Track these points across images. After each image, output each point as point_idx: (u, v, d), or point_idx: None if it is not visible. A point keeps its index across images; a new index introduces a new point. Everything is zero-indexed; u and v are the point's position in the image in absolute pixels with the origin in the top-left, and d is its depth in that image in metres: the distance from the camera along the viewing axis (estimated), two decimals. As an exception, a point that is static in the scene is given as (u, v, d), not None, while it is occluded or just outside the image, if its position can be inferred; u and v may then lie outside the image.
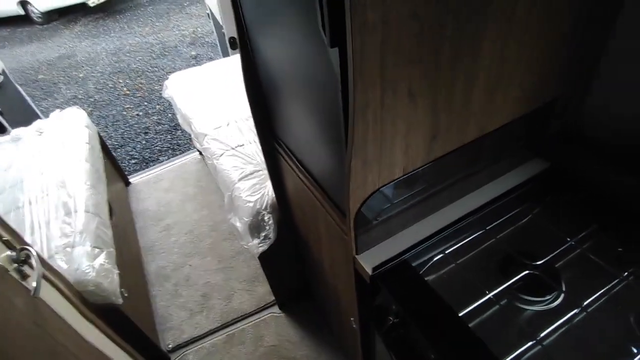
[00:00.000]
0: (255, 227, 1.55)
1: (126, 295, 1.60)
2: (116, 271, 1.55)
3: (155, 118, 4.15)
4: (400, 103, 0.66)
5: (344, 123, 0.68)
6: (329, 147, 0.84)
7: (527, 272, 0.88)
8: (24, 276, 0.90)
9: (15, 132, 2.36)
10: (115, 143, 3.78)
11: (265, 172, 1.68)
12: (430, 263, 0.94)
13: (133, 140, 3.85)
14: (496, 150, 1.02)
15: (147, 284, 2.17)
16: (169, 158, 3.50)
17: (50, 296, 0.98)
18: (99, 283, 1.44)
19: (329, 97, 0.69)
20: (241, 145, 1.86)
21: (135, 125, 4.07)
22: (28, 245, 0.93)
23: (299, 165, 1.12)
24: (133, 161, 3.54)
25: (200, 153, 2.98)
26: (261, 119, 1.25)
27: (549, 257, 0.90)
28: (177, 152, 3.54)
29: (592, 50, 0.89)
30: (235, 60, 2.64)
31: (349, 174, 0.71)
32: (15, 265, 0.90)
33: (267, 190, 1.58)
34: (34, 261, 0.91)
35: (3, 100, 2.77)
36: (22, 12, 6.91)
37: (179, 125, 3.89)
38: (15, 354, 0.70)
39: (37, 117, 2.97)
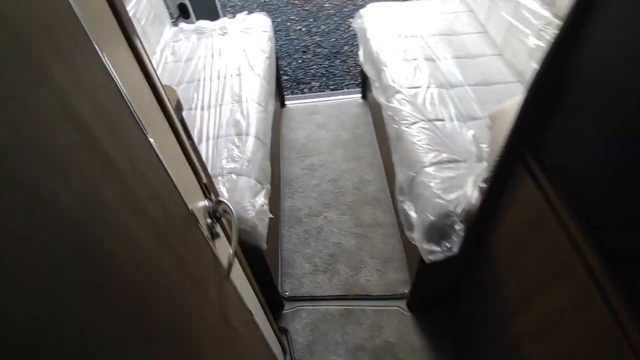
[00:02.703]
0: (437, 231, 1.26)
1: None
2: (270, 215, 1.43)
3: (317, 39, 3.93)
4: None
5: None
6: None
7: None
8: (214, 236, 0.74)
9: (200, 24, 2.29)
10: (273, 55, 3.68)
11: (467, 166, 1.34)
12: None
13: (290, 56, 3.72)
14: None
15: (280, 220, 2.08)
16: (320, 85, 3.32)
17: (235, 272, 0.82)
18: (255, 225, 1.32)
19: None
20: (440, 120, 1.51)
21: (296, 41, 3.90)
22: (223, 199, 0.76)
23: (564, 201, 0.77)
24: (285, 77, 3.42)
25: (364, 97, 2.70)
26: (529, 121, 0.89)
27: None
28: (330, 82, 3.33)
29: None
30: (455, 8, 2.18)
31: None
32: (210, 220, 0.74)
33: (466, 193, 1.25)
34: (232, 224, 0.74)
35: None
36: None
37: (338, 53, 3.65)
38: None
39: (217, 13, 2.90)
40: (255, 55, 1.96)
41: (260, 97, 1.75)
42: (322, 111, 2.67)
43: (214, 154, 1.49)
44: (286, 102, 2.74)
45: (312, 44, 3.86)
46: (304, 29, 4.09)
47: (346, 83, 3.38)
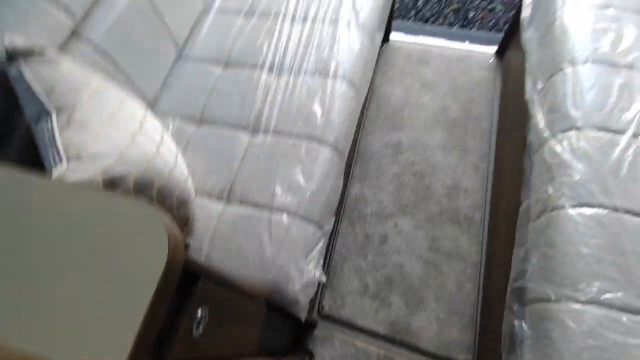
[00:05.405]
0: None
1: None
2: (323, 280, 1.02)
3: None
4: None
5: None
6: None
7: None
8: None
9: None
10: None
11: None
12: None
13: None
14: None
15: (341, 211, 1.66)
16: (444, 16, 2.47)
17: None
18: (296, 301, 0.93)
19: None
20: (637, 215, 0.90)
21: None
22: None
23: None
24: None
25: (500, 52, 1.91)
26: None
27: None
28: (460, 13, 2.46)
29: None
30: None
31: None
32: None
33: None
34: None
35: None
36: None
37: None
38: None
39: None
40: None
41: (355, 72, 1.16)
42: (434, 63, 1.95)
43: (267, 165, 1.02)
44: (391, 37, 2.02)
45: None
46: None
47: (476, 4, 2.51)
